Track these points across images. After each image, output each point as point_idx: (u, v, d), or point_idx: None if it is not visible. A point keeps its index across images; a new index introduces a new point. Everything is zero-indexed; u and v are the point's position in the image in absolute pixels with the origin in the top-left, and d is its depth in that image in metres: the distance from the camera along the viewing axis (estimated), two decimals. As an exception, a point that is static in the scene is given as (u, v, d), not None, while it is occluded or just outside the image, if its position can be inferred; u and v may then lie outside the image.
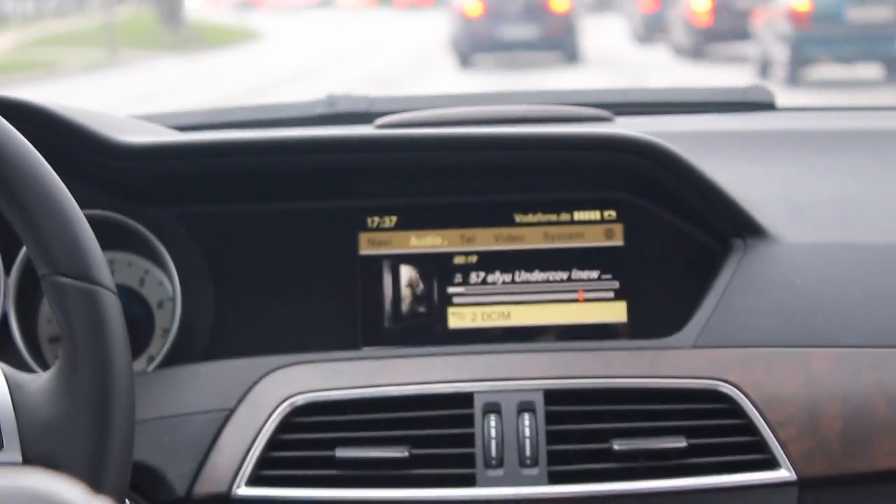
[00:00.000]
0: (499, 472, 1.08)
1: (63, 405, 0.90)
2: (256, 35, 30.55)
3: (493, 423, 1.10)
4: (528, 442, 1.09)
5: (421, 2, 47.82)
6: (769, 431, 1.08)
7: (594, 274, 1.24)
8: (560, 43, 16.66)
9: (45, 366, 1.23)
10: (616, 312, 1.24)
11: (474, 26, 16.31)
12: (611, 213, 1.25)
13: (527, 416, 1.10)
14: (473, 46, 16.56)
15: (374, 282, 1.25)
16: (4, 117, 0.90)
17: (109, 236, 1.18)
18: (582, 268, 1.25)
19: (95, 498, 0.78)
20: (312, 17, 40.33)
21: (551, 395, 1.11)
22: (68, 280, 0.90)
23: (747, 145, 1.43)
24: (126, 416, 0.91)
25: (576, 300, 1.24)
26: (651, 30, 20.59)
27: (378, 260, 1.25)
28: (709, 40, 16.14)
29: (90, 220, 0.92)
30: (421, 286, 1.25)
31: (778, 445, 1.08)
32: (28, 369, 1.21)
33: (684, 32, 16.53)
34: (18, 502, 0.50)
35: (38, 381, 0.92)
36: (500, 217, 1.25)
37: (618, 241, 1.25)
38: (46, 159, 0.93)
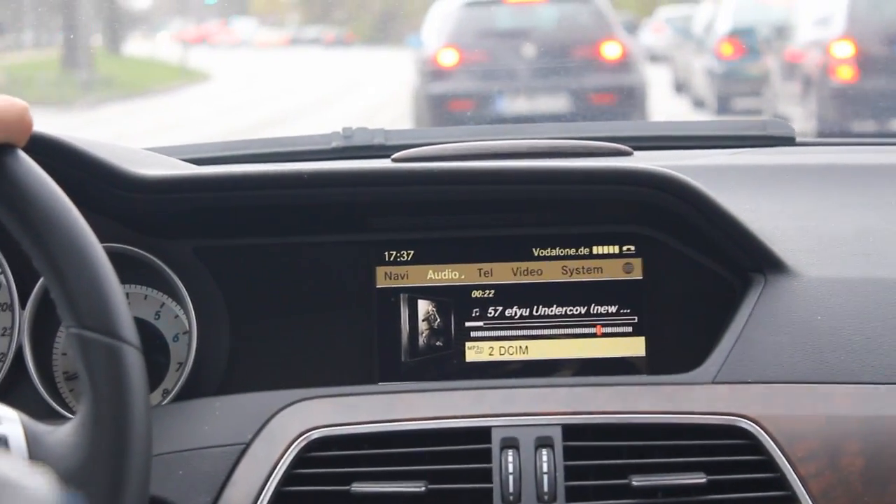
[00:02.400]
0: None
1: (80, 459, 0.90)
2: (200, 76, 26.13)
3: (510, 459, 1.09)
4: (546, 477, 1.09)
5: (348, 38, 47.35)
6: (790, 468, 1.08)
7: (612, 308, 1.25)
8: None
9: (60, 401, 1.24)
10: (635, 347, 1.25)
11: (444, 88, 8.61)
12: (630, 248, 1.26)
13: (545, 452, 1.10)
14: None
15: (391, 316, 1.25)
16: (24, 150, 0.90)
17: (126, 269, 1.19)
18: (600, 302, 1.25)
19: None
20: (239, 56, 37.05)
21: (569, 431, 1.11)
22: (94, 335, 0.90)
23: (768, 180, 1.43)
24: (142, 472, 0.91)
25: (594, 335, 1.25)
26: (727, 89, 12.56)
27: (395, 293, 1.26)
28: (854, 110, 8.88)
29: (107, 253, 0.92)
30: (438, 320, 1.25)
31: (798, 482, 1.07)
32: (44, 404, 1.22)
33: (802, 95, 9.26)
34: None
35: (57, 433, 0.92)
36: (518, 251, 1.26)
37: (637, 276, 1.25)
38: (64, 191, 0.92)
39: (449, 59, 9.01)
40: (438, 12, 9.79)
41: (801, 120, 9.32)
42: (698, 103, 13.72)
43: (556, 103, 8.21)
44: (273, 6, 55.82)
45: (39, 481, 0.49)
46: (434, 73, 9.06)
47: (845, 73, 8.83)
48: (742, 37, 12.66)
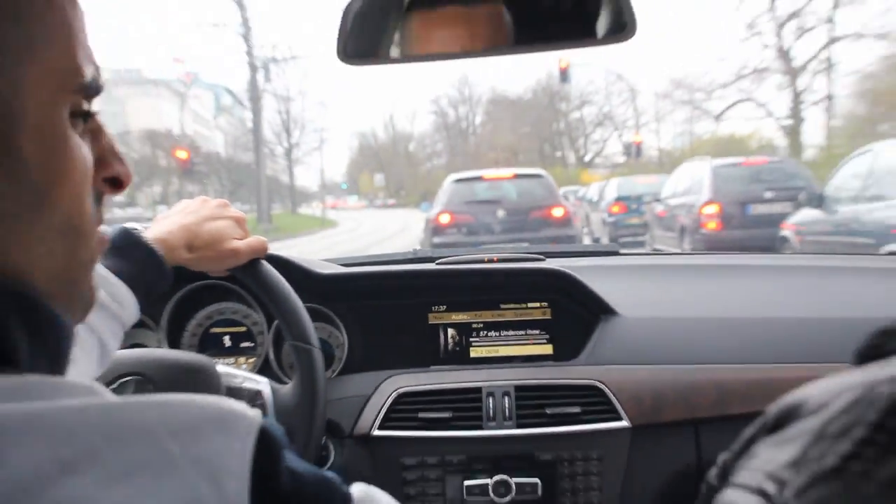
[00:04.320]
0: (493, 423, 1.09)
1: (294, 401, 0.92)
2: (332, 224, 24.53)
3: (490, 401, 1.10)
4: (507, 409, 1.09)
5: (392, 204, 45.66)
6: (618, 404, 1.09)
7: (538, 331, 1.22)
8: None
9: (285, 375, 1.22)
10: (548, 349, 1.22)
11: (442, 240, 7.62)
12: (545, 304, 1.23)
13: (506, 398, 1.10)
14: None
15: (435, 336, 1.23)
16: (266, 260, 0.93)
17: (315, 316, 1.20)
18: (532, 329, 1.22)
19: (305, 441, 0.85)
20: (348, 213, 34.73)
21: (518, 388, 1.11)
22: (300, 343, 0.91)
23: (608, 272, 1.40)
24: (322, 408, 0.91)
25: (529, 343, 1.22)
26: (617, 233, 11.13)
27: (437, 326, 1.23)
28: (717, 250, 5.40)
29: (307, 309, 0.95)
30: (457, 338, 1.23)
31: (622, 410, 1.09)
32: (279, 380, 1.20)
33: (679, 239, 8.09)
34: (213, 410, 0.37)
35: (284, 388, 0.94)
36: (493, 305, 1.23)
37: (548, 317, 1.22)
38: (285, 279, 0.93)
39: (445, 219, 7.72)
40: (442, 186, 8.52)
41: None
42: (595, 240, 12.33)
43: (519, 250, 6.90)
44: (370, 188, 56.38)
45: (254, 411, 0.39)
46: (435, 229, 7.72)
47: (712, 225, 7.89)
48: (625, 201, 11.69)
